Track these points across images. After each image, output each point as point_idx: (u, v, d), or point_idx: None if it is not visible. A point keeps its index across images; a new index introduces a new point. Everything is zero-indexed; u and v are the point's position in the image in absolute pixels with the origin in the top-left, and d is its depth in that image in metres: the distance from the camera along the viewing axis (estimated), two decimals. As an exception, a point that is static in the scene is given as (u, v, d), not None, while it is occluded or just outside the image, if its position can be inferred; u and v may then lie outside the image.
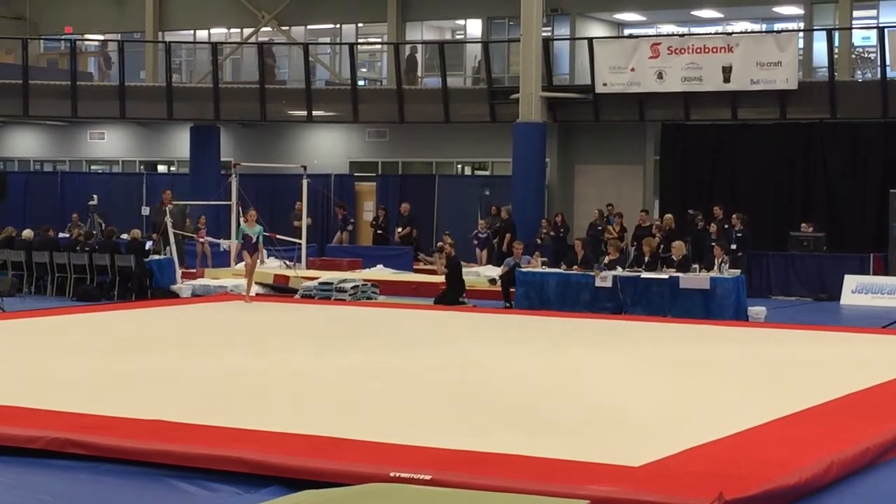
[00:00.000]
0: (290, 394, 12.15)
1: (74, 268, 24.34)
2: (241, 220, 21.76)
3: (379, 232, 31.60)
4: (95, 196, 33.20)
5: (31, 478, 9.00)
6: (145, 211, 34.34)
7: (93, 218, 31.76)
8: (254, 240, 21.70)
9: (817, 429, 10.43)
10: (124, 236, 26.36)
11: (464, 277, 23.39)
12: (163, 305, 21.83)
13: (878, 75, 28.63)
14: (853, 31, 31.32)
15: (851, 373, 13.90)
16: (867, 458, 9.52)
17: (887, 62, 27.85)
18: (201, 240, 29.12)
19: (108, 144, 40.76)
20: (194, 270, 27.01)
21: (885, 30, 28.34)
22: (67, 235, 28.71)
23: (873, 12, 31.67)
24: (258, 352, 15.46)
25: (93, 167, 41.47)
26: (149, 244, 26.06)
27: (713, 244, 23.62)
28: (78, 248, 24.85)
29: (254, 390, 12.32)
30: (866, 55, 31.94)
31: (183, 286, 24.37)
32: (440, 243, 23.22)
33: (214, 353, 15.11)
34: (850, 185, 28.26)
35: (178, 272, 25.19)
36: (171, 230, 25.95)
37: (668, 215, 27.05)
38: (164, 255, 26.02)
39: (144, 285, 24.02)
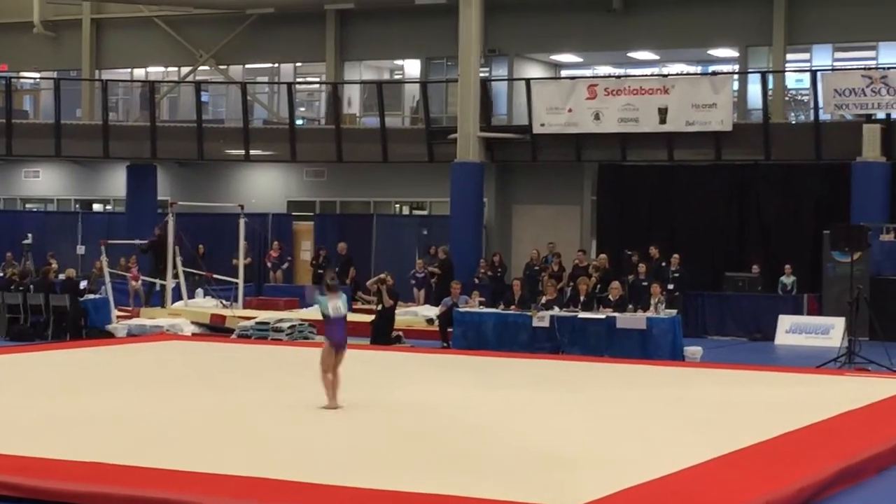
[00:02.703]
0: (226, 434, 12.06)
1: (8, 307, 24.10)
2: (324, 294, 14.34)
3: (319, 272, 31.44)
4: (30, 235, 32.92)
5: (-37, 521, 8.89)
6: (80, 250, 34.07)
7: (26, 256, 31.50)
8: (343, 314, 14.07)
9: (753, 468, 10.48)
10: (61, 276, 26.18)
11: (402, 317, 23.34)
12: (98, 346, 21.59)
13: (812, 118, 29.02)
14: (787, 73, 31.77)
15: (786, 412, 13.99)
16: (803, 497, 9.59)
17: (820, 105, 28.22)
18: (133, 280, 28.97)
19: (43, 182, 40.47)
20: (130, 310, 26.81)
21: (818, 73, 28.77)
22: (1, 275, 28.40)
23: (806, 55, 32.11)
24: (194, 392, 15.35)
25: (27, 205, 41.13)
26: (83, 283, 25.84)
27: (643, 283, 23.79)
28: (12, 287, 24.61)
29: (190, 431, 12.23)
30: (800, 98, 32.41)
31: (119, 326, 24.20)
32: (382, 275, 23.10)
33: (150, 394, 14.97)
34: (785, 226, 28.56)
35: (114, 312, 25.01)
36: (106, 270, 25.78)
37: (603, 255, 27.17)
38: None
39: (79, 325, 23.81)
